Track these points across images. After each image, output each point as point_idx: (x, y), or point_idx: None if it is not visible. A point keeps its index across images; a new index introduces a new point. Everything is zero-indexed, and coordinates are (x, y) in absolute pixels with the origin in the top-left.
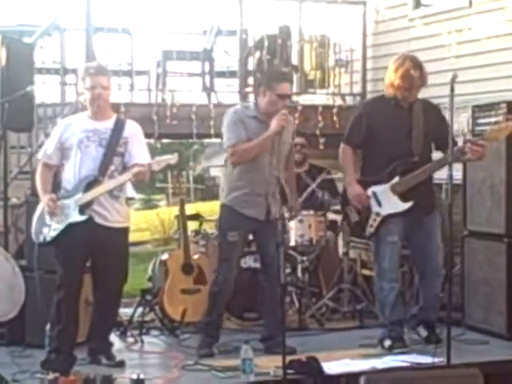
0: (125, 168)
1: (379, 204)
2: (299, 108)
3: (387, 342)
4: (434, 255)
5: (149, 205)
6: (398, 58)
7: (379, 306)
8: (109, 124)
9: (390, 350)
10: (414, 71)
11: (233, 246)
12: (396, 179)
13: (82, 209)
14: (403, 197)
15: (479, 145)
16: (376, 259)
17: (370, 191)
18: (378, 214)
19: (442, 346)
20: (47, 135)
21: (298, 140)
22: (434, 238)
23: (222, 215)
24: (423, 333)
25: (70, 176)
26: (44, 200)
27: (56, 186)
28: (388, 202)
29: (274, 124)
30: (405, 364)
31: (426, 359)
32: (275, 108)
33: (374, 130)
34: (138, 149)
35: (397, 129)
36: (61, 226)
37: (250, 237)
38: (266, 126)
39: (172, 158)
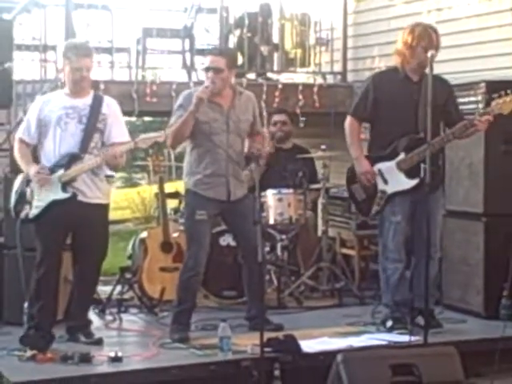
0: (103, 145)
1: (385, 182)
2: (279, 86)
3: (389, 323)
4: (432, 236)
5: (130, 183)
6: (411, 24)
7: (383, 286)
8: (87, 101)
9: (391, 331)
10: (430, 30)
11: (201, 225)
12: (401, 156)
13: (65, 186)
14: (409, 174)
15: (486, 117)
16: (380, 239)
17: (375, 168)
18: (383, 192)
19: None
20: (26, 112)
21: (279, 117)
22: (434, 219)
23: (187, 200)
24: (421, 322)
25: (49, 153)
26: (32, 171)
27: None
28: (394, 179)
29: (193, 97)
30: (382, 342)
31: (404, 338)
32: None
33: (380, 103)
34: (117, 127)
35: (404, 103)
36: (43, 204)
37: None
38: (215, 105)
39: (159, 136)
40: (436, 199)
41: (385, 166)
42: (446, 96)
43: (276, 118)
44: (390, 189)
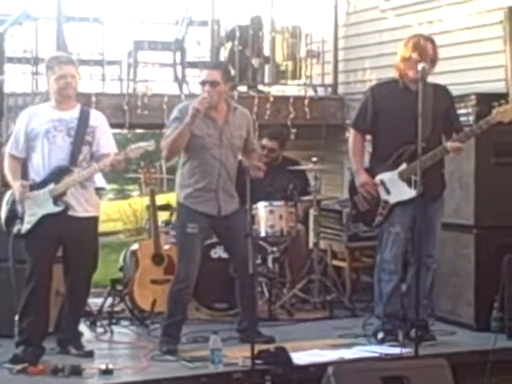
0: (92, 157)
1: (388, 192)
2: (271, 99)
3: (380, 335)
4: (429, 247)
5: (122, 195)
6: (408, 36)
7: (376, 298)
8: (74, 113)
9: (382, 343)
10: (424, 41)
11: (193, 238)
12: (403, 166)
13: (56, 200)
14: (411, 183)
15: (487, 126)
16: (378, 249)
17: (377, 179)
18: (386, 202)
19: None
20: None
21: (269, 144)
22: (433, 230)
23: (179, 213)
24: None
25: (37, 166)
26: (15, 186)
27: (23, 177)
28: (396, 189)
29: (189, 109)
30: (373, 355)
31: (394, 350)
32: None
33: (380, 114)
34: (106, 139)
35: (404, 113)
36: (35, 218)
37: None
38: (209, 120)
39: (149, 145)
40: (436, 209)
41: (387, 177)
42: (448, 104)
43: (265, 142)
44: (393, 199)
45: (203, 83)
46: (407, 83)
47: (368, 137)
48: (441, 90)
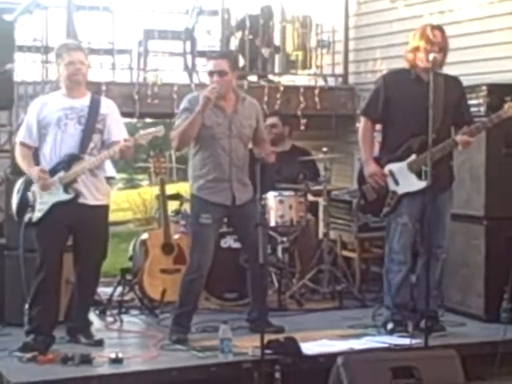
0: (103, 145)
1: (396, 183)
2: (281, 89)
3: (389, 325)
4: (438, 237)
5: (131, 184)
6: (419, 27)
7: (385, 288)
8: (84, 101)
9: (391, 334)
10: (432, 29)
11: (206, 229)
12: (412, 157)
13: (67, 187)
14: (420, 175)
15: (498, 121)
16: (386, 240)
17: (386, 169)
18: (394, 193)
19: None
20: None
21: (269, 120)
22: (442, 219)
23: (193, 204)
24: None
25: (49, 154)
26: (34, 173)
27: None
28: (405, 180)
29: (200, 99)
30: (383, 345)
31: (404, 340)
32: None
33: (391, 103)
34: (117, 127)
35: (415, 103)
36: (46, 206)
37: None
38: (218, 110)
39: (159, 131)
40: (445, 200)
41: (396, 167)
42: (459, 95)
43: (266, 121)
44: (401, 189)
45: (211, 73)
46: (419, 73)
47: (377, 127)
48: (452, 81)
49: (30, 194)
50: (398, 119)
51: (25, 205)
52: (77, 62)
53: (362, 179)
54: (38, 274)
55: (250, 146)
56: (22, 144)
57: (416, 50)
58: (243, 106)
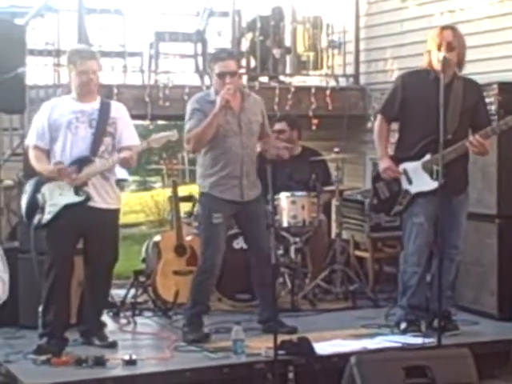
0: (114, 149)
1: (410, 182)
2: (292, 89)
3: (403, 325)
4: (453, 238)
5: (144, 186)
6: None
7: (400, 288)
8: (95, 105)
9: (404, 333)
10: (441, 30)
11: (218, 229)
12: (427, 157)
13: (77, 189)
14: (434, 175)
15: (506, 128)
16: (403, 241)
17: (401, 168)
18: (407, 192)
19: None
20: None
21: (277, 126)
22: (458, 221)
23: (203, 203)
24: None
25: (60, 157)
26: (51, 168)
27: None
28: (419, 179)
29: (218, 100)
30: (396, 345)
31: (417, 340)
32: (222, 88)
33: (408, 102)
34: (128, 131)
35: (432, 104)
36: (56, 208)
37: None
38: (227, 108)
39: (172, 135)
40: (460, 201)
41: (410, 166)
42: (477, 98)
43: (274, 127)
44: (414, 189)
45: (223, 75)
46: (437, 73)
47: (393, 127)
48: (471, 85)
49: (39, 196)
50: (414, 119)
51: (34, 207)
52: (89, 72)
53: (376, 177)
54: (47, 276)
55: (259, 149)
56: (36, 147)
57: (429, 52)
58: (249, 103)
